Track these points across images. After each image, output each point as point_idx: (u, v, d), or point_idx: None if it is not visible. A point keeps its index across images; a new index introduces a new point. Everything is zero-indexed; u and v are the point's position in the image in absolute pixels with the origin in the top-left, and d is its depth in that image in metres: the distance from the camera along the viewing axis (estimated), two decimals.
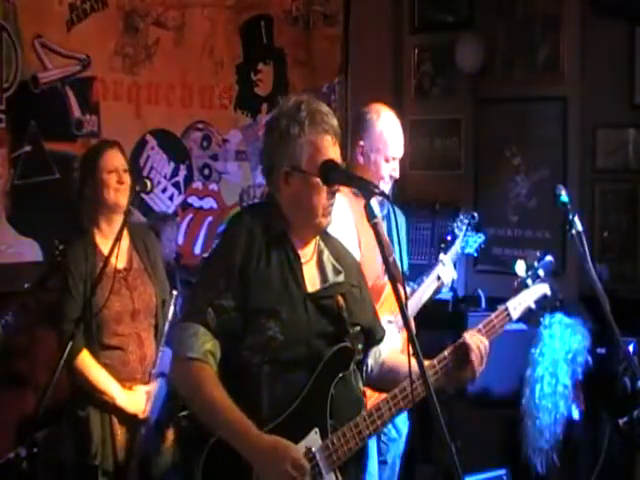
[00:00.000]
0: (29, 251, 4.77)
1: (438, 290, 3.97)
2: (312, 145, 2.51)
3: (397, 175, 3.76)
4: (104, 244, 3.66)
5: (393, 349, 2.84)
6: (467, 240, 4.15)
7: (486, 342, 2.63)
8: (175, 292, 3.82)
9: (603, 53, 5.63)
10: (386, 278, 3.51)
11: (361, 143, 3.69)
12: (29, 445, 3.72)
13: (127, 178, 3.71)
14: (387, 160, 3.70)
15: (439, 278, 3.89)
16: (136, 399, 3.66)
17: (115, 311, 3.64)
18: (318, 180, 2.50)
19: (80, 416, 3.60)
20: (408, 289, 3.88)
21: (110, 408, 3.62)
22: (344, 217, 3.42)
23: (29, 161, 4.81)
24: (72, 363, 3.54)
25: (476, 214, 4.24)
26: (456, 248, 4.08)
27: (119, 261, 3.69)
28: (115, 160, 3.72)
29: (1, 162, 4.71)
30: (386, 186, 3.72)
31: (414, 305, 3.84)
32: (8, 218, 4.74)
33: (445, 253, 3.99)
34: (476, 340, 2.61)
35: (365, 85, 6.25)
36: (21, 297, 3.67)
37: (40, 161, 4.86)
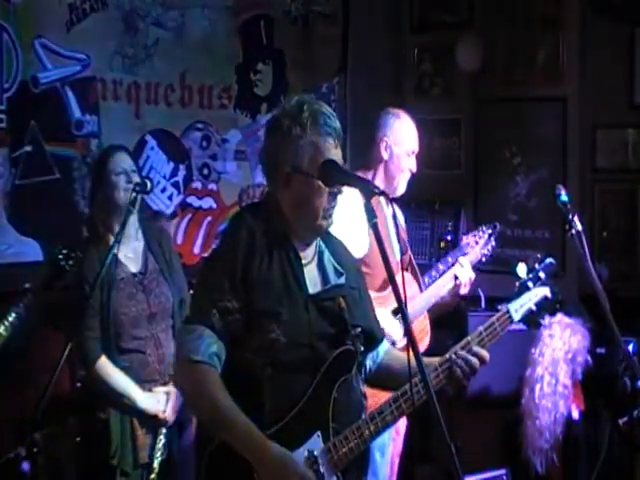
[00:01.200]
0: (29, 251, 4.76)
1: (457, 292, 4.01)
2: (314, 147, 2.51)
3: (415, 169, 3.98)
4: (120, 249, 3.68)
5: (391, 348, 2.84)
6: (489, 249, 4.21)
7: (483, 353, 2.63)
8: (192, 291, 3.82)
9: (603, 53, 5.64)
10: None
11: (385, 139, 3.93)
12: (29, 445, 3.72)
13: (136, 178, 3.75)
14: (408, 154, 3.95)
15: (456, 278, 3.97)
16: (156, 400, 3.69)
17: (132, 316, 3.66)
18: (319, 182, 2.50)
19: (100, 418, 3.62)
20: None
21: (130, 410, 3.64)
22: (354, 207, 3.48)
23: (29, 161, 4.80)
24: (90, 371, 3.59)
25: (497, 224, 4.29)
26: (476, 254, 4.14)
27: (135, 266, 3.73)
28: (122, 162, 3.77)
29: (2, 162, 4.70)
30: (405, 179, 3.96)
31: (425, 300, 3.91)
32: (8, 218, 4.73)
33: (464, 255, 4.07)
34: (463, 355, 2.60)
35: (365, 85, 6.24)
36: (22, 298, 3.67)
37: (40, 161, 4.86)
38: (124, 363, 3.65)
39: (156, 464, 3.66)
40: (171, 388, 3.70)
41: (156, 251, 3.82)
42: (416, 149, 3.99)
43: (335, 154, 2.53)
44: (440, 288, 3.99)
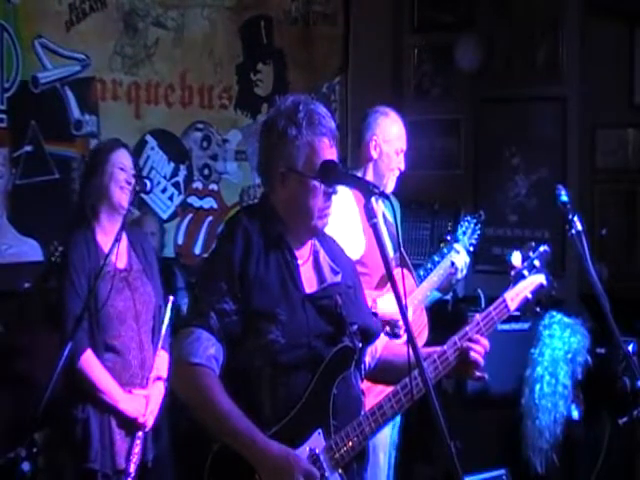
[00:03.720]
0: (29, 251, 4.77)
1: (454, 278, 4.03)
2: (309, 147, 2.50)
3: (403, 168, 3.96)
4: (104, 242, 3.66)
5: (390, 342, 2.84)
6: (476, 238, 4.24)
7: (483, 340, 2.64)
8: (172, 298, 3.81)
9: (603, 53, 5.64)
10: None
11: (374, 138, 3.89)
12: (29, 445, 3.71)
13: (133, 181, 3.72)
14: (397, 153, 3.92)
15: (453, 264, 3.99)
16: (136, 403, 3.64)
17: (119, 311, 3.63)
18: (314, 182, 2.48)
19: (79, 418, 3.57)
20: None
21: (110, 410, 3.60)
22: (348, 210, 3.51)
23: (29, 161, 4.81)
24: (75, 362, 3.52)
25: (482, 212, 4.31)
26: (465, 244, 4.17)
27: (120, 262, 3.69)
28: (125, 159, 3.74)
29: (2, 162, 4.71)
30: (394, 177, 3.94)
31: (422, 293, 3.93)
32: (9, 218, 4.74)
33: (458, 242, 4.09)
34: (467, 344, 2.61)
35: (365, 85, 6.24)
36: (21, 297, 3.67)
37: (40, 161, 4.86)
38: (107, 363, 3.60)
39: (132, 469, 3.59)
40: (150, 392, 3.68)
41: (139, 252, 3.80)
42: (404, 147, 3.98)
43: (330, 154, 2.53)
44: (437, 277, 4.01)
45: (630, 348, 4.53)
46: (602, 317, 3.27)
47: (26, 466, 3.84)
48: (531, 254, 2.83)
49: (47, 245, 4.65)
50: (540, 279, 2.81)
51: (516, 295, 2.77)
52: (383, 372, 2.72)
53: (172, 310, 3.79)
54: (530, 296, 2.78)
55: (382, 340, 2.77)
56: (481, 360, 2.61)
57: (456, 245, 4.07)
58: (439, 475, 4.92)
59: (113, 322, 3.61)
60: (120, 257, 3.70)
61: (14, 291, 4.51)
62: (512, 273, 2.81)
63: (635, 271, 5.58)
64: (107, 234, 3.67)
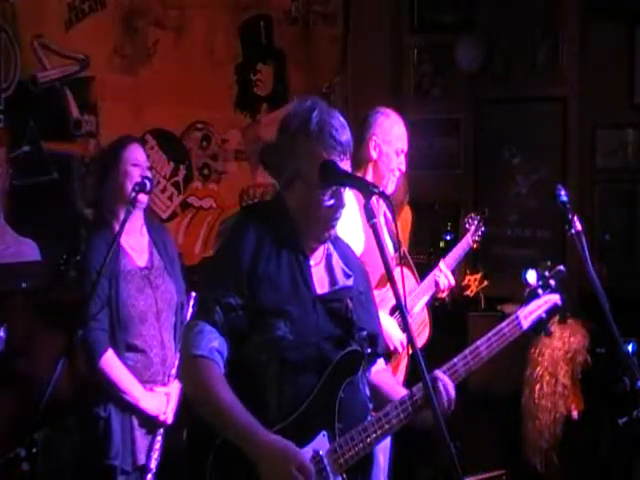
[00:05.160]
0: (28, 251, 4.76)
1: (436, 296, 4.02)
2: (317, 159, 2.45)
3: (404, 169, 3.95)
4: (126, 241, 3.65)
5: (382, 370, 2.81)
6: (479, 235, 4.24)
7: (451, 389, 2.56)
8: (194, 293, 3.78)
9: (603, 53, 5.64)
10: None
11: (374, 138, 3.88)
12: (29, 445, 3.71)
13: (149, 175, 3.70)
14: (397, 153, 3.91)
15: (437, 284, 3.97)
16: (157, 401, 3.66)
17: (140, 310, 3.63)
18: (319, 193, 2.46)
19: (101, 416, 3.58)
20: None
21: (131, 409, 3.61)
22: (348, 209, 3.49)
23: (28, 161, 4.80)
24: (96, 363, 3.53)
25: (486, 209, 4.32)
26: (467, 241, 4.17)
27: (141, 260, 3.70)
28: (139, 155, 3.73)
29: (0, 162, 4.70)
30: (394, 178, 3.93)
31: (427, 288, 3.93)
32: (6, 218, 4.72)
33: (443, 258, 4.07)
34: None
35: (365, 85, 6.24)
36: (21, 297, 3.66)
37: (39, 161, 4.85)
38: (129, 362, 3.61)
39: (153, 465, 3.63)
40: (171, 389, 3.69)
41: (160, 247, 3.79)
42: (405, 148, 3.96)
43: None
44: (420, 295, 3.98)
45: (630, 348, 4.53)
46: (602, 317, 3.27)
47: (26, 466, 3.83)
48: (546, 273, 2.83)
49: (47, 246, 4.65)
50: (555, 299, 2.81)
51: (530, 313, 2.77)
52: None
53: (194, 306, 3.77)
54: (544, 315, 2.79)
55: (378, 364, 2.74)
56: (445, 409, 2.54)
57: (441, 264, 4.05)
58: (439, 475, 4.92)
59: (134, 321, 3.62)
60: (141, 255, 3.71)
61: (14, 291, 4.50)
62: (526, 290, 2.81)
63: (635, 271, 5.58)
64: (128, 232, 3.66)
